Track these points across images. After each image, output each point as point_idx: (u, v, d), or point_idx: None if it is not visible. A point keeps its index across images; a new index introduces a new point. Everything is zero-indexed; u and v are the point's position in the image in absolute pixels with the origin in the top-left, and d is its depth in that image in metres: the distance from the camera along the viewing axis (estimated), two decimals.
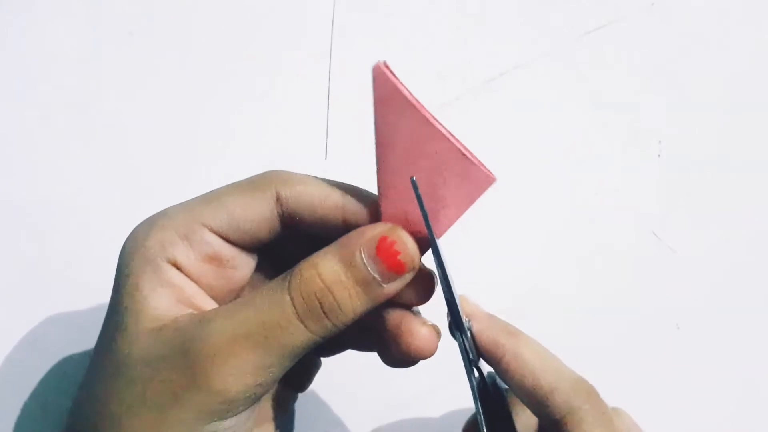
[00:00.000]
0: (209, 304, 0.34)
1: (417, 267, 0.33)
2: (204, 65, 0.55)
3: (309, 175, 0.35)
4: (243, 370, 0.31)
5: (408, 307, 0.35)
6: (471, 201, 0.32)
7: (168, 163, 0.53)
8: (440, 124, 0.31)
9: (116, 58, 0.54)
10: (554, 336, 0.52)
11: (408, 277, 0.33)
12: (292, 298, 0.31)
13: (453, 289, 0.33)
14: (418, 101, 0.30)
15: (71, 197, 0.52)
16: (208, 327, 0.31)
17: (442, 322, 0.36)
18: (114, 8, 0.55)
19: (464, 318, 0.34)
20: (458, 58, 0.55)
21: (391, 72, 0.30)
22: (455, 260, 0.51)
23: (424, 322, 0.35)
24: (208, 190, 0.36)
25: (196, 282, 0.34)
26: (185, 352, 0.31)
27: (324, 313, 0.32)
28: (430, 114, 0.30)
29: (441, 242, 0.33)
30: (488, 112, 0.55)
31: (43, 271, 0.50)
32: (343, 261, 0.32)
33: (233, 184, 0.35)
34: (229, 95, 0.54)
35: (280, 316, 0.31)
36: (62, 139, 0.53)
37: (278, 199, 0.34)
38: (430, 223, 0.32)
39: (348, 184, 0.35)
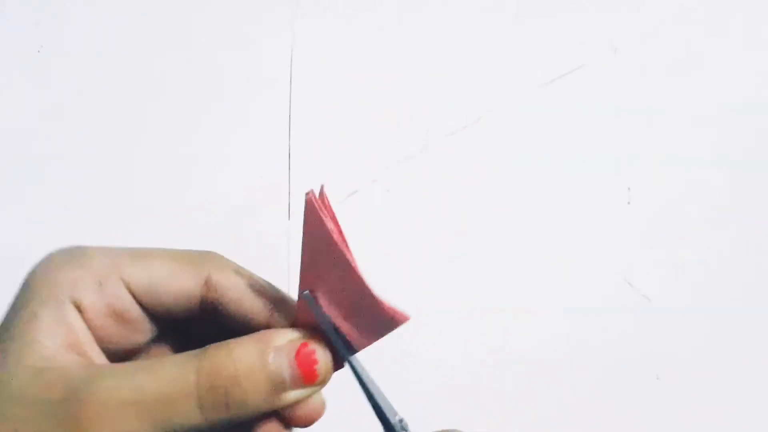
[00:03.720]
0: (99, 358, 0.33)
1: (326, 381, 0.33)
2: (162, 119, 0.53)
3: (246, 270, 0.34)
4: None
5: (287, 425, 0.34)
6: (383, 334, 0.32)
7: (127, 218, 0.52)
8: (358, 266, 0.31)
9: (74, 114, 0.53)
10: (530, 390, 0.51)
11: (314, 390, 0.32)
12: (197, 379, 0.30)
13: (375, 394, 0.33)
14: (344, 241, 0.31)
15: None
16: (98, 383, 0.29)
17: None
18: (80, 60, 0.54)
19: (396, 419, 0.33)
20: (420, 112, 0.54)
21: (325, 203, 0.31)
22: (418, 323, 0.50)
23: None
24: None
25: (93, 331, 0.32)
26: (66, 401, 0.29)
27: (226, 403, 0.30)
28: (351, 253, 0.31)
29: (357, 356, 0.33)
30: (452, 165, 0.54)
31: None
32: (261, 355, 0.31)
33: (169, 250, 0.34)
34: (186, 151, 0.53)
35: (179, 394, 0.30)
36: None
37: (208, 282, 0.33)
38: (337, 337, 0.32)
39: (281, 291, 0.34)
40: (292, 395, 0.31)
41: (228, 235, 0.52)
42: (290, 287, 0.37)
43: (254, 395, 0.31)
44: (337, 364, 0.33)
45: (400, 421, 0.33)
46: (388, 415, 0.33)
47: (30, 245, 0.50)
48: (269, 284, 0.34)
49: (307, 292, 0.32)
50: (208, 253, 0.34)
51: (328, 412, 0.34)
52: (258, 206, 0.52)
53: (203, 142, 0.53)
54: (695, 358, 0.52)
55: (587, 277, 0.53)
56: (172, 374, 0.30)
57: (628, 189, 0.54)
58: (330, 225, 0.30)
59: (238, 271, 0.34)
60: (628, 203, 0.54)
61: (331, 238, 0.30)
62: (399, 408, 0.35)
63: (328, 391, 0.34)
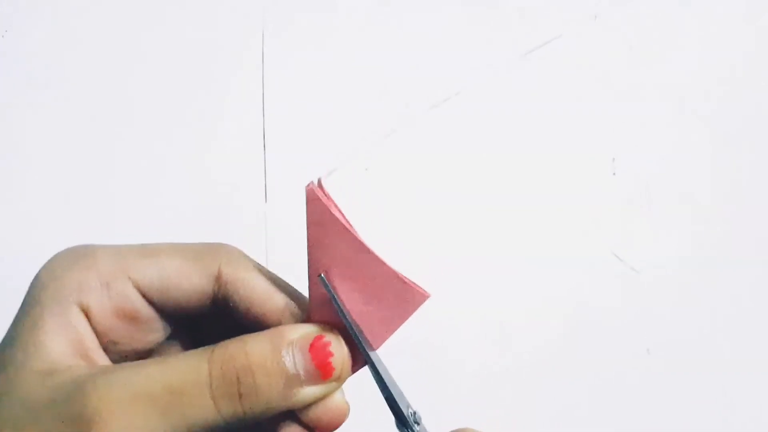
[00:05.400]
0: (104, 362, 0.32)
1: (343, 378, 0.32)
2: (137, 106, 0.51)
3: (258, 265, 0.33)
4: None
5: (310, 430, 0.33)
6: (406, 317, 0.32)
7: (103, 201, 0.51)
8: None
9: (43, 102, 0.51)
10: (522, 367, 0.50)
11: (330, 386, 0.31)
12: (210, 369, 0.29)
13: (390, 386, 0.32)
14: (351, 226, 0.30)
15: None
16: (108, 378, 0.29)
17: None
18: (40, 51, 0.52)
19: (408, 411, 0.33)
20: (397, 87, 0.53)
21: (325, 194, 0.30)
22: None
23: None
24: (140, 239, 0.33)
25: (100, 335, 0.31)
26: (75, 400, 0.28)
27: (239, 393, 0.29)
28: (362, 238, 0.31)
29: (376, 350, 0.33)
30: (432, 140, 0.53)
31: None
32: (274, 347, 0.30)
33: (177, 245, 0.33)
34: (160, 135, 0.51)
35: (191, 384, 0.29)
36: None
37: (218, 278, 0.32)
38: (354, 326, 0.32)
39: (294, 290, 0.33)
40: (307, 392, 0.30)
41: (205, 219, 0.50)
42: (269, 268, 0.36)
43: (268, 388, 0.30)
44: (355, 363, 0.32)
45: (413, 413, 0.33)
46: (401, 406, 0.32)
47: (9, 243, 0.49)
48: (282, 280, 0.33)
49: (321, 275, 0.31)
50: (219, 245, 0.33)
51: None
52: (234, 189, 0.51)
53: (176, 126, 0.52)
54: (685, 329, 0.51)
55: (572, 251, 0.52)
56: (183, 365, 0.29)
57: (613, 159, 0.53)
58: (335, 212, 0.30)
59: (249, 266, 0.33)
60: (613, 174, 0.53)
61: (340, 223, 0.30)
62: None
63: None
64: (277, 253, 0.49)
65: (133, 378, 0.29)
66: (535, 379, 0.50)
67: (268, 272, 0.33)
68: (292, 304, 0.32)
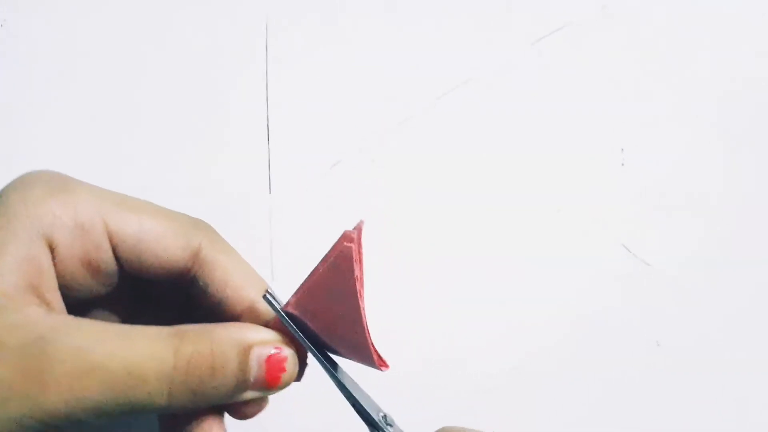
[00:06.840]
0: (57, 304, 0.31)
1: (283, 389, 0.33)
2: (136, 92, 0.51)
3: (236, 252, 0.34)
4: (82, 403, 0.28)
5: (220, 412, 0.33)
6: (361, 363, 0.33)
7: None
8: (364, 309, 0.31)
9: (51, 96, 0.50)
10: (529, 359, 0.50)
11: (269, 393, 0.32)
12: (176, 362, 0.29)
13: (355, 393, 0.33)
14: (362, 284, 0.31)
15: None
16: (68, 338, 0.28)
17: None
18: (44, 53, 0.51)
19: (379, 416, 0.33)
20: (404, 77, 0.52)
21: (359, 243, 0.30)
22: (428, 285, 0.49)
23: None
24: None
25: (59, 276, 0.31)
26: (29, 350, 0.27)
27: (194, 392, 0.29)
28: (363, 299, 0.31)
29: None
30: (439, 131, 0.52)
31: None
32: (239, 350, 0.30)
33: (161, 208, 0.33)
34: (162, 128, 0.50)
35: (152, 373, 0.28)
36: None
37: (196, 256, 0.32)
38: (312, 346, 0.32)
39: (266, 283, 0.34)
40: (248, 394, 0.31)
41: (208, 211, 0.49)
42: (273, 262, 0.35)
43: (220, 389, 0.30)
44: (300, 375, 0.33)
45: (384, 417, 0.33)
46: (370, 412, 0.33)
47: None
48: (257, 274, 0.34)
49: (266, 292, 0.31)
50: (201, 222, 0.33)
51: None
52: (237, 181, 0.50)
53: (179, 118, 0.51)
54: (695, 322, 0.51)
55: (581, 243, 0.51)
56: (149, 350, 0.29)
57: (622, 150, 0.53)
58: (357, 272, 0.30)
59: (230, 250, 0.33)
60: (622, 165, 0.52)
61: (355, 288, 0.30)
62: (396, 407, 0.35)
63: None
64: (281, 245, 0.49)
65: (95, 348, 0.28)
66: (545, 375, 0.50)
67: (245, 262, 0.33)
68: (257, 301, 0.33)
